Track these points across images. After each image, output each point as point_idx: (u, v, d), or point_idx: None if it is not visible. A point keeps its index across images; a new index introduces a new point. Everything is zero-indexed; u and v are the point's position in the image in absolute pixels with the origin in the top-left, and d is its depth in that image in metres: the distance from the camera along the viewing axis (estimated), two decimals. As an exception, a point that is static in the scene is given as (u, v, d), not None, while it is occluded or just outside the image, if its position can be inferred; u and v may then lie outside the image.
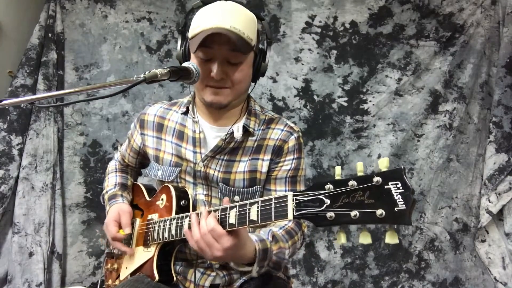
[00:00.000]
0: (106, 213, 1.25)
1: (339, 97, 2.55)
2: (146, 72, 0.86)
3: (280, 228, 1.10)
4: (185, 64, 0.98)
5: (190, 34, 1.08)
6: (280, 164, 1.17)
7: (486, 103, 2.50)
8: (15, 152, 2.32)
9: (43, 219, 2.35)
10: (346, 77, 2.54)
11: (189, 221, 0.98)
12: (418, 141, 2.52)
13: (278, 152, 1.17)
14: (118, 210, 1.21)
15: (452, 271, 2.47)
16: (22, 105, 2.34)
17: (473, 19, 2.48)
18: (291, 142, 1.17)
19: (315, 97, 2.55)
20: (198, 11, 1.08)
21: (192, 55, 1.10)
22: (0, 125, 2.29)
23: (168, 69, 0.89)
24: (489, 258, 2.40)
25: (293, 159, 1.17)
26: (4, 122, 2.30)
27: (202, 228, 0.89)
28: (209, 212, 0.92)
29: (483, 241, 2.43)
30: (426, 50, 2.51)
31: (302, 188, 1.20)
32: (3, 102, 0.78)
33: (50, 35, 2.45)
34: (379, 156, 2.51)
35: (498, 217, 2.41)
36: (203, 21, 1.03)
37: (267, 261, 0.97)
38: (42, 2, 2.49)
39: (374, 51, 2.54)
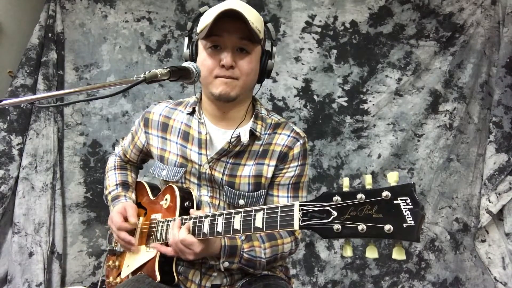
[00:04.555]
0: (110, 212, 1.26)
1: (339, 97, 2.54)
2: (146, 72, 0.85)
3: None
4: (185, 64, 0.98)
5: (199, 28, 1.12)
6: (284, 171, 1.17)
7: (486, 103, 2.50)
8: (15, 152, 2.32)
9: (43, 219, 2.35)
10: (346, 77, 2.54)
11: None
12: (418, 141, 2.52)
13: (283, 158, 1.17)
14: (123, 205, 1.21)
15: (452, 271, 2.47)
16: (22, 105, 2.34)
17: (473, 19, 2.48)
18: (297, 149, 1.17)
19: (315, 97, 2.55)
20: (205, 12, 1.13)
21: (200, 50, 1.12)
22: (0, 125, 2.29)
23: (168, 69, 0.89)
24: (489, 258, 2.40)
25: (297, 166, 1.17)
26: (4, 122, 2.30)
27: (174, 236, 1.01)
28: (183, 222, 1.04)
29: (483, 241, 2.43)
30: (426, 50, 2.51)
31: (305, 193, 1.21)
32: (3, 102, 0.78)
33: (50, 35, 2.45)
34: (379, 156, 2.51)
35: (498, 217, 2.41)
36: (213, 13, 1.06)
37: (237, 258, 1.05)
38: (42, 2, 2.48)
39: (374, 51, 2.54)
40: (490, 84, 2.49)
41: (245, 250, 1.06)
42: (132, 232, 1.24)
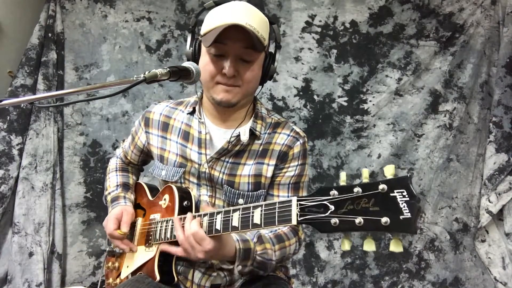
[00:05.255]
0: (108, 213, 1.25)
1: (339, 96, 2.54)
2: (146, 72, 0.85)
3: (270, 231, 1.11)
4: (185, 64, 0.97)
5: (203, 30, 1.08)
6: (284, 170, 1.17)
7: (486, 103, 2.50)
8: (15, 152, 2.32)
9: (43, 219, 2.35)
10: (346, 77, 2.54)
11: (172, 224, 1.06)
12: (418, 141, 2.52)
13: (283, 158, 1.16)
14: (121, 209, 1.21)
15: (452, 271, 2.47)
16: (22, 105, 2.34)
17: (473, 19, 2.48)
18: (296, 148, 1.17)
19: (315, 96, 2.55)
20: (210, 10, 1.10)
21: (203, 52, 1.10)
22: (0, 125, 2.29)
23: (168, 69, 0.89)
24: (489, 258, 2.40)
25: (297, 165, 1.17)
26: (4, 122, 2.30)
27: (186, 231, 0.96)
28: (194, 216, 0.99)
29: (483, 241, 2.43)
30: (426, 50, 2.51)
31: (305, 193, 1.20)
32: (3, 102, 0.78)
33: (50, 35, 2.45)
34: (379, 156, 2.51)
35: (498, 217, 2.41)
36: (218, 18, 1.03)
37: (250, 261, 1.03)
38: (42, 2, 2.48)
39: (374, 50, 2.54)
40: (490, 84, 2.49)
41: (258, 252, 1.04)
42: (131, 232, 1.24)
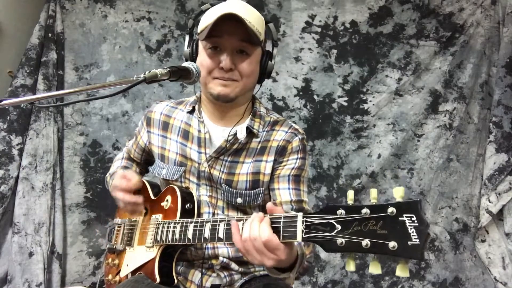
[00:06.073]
0: (110, 191, 1.21)
1: (339, 96, 2.54)
2: (146, 72, 0.85)
3: None
4: (185, 64, 0.98)
5: (200, 28, 1.11)
6: (283, 164, 1.16)
7: (486, 103, 2.50)
8: (15, 152, 2.32)
9: (43, 219, 2.35)
10: (346, 77, 2.54)
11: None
12: (418, 141, 2.52)
13: (281, 152, 1.16)
14: (123, 171, 1.18)
15: (452, 271, 2.47)
16: (22, 105, 2.34)
17: (473, 19, 2.48)
18: (295, 142, 1.16)
19: (315, 96, 2.55)
20: (206, 11, 1.12)
21: (200, 49, 1.11)
22: (0, 125, 2.29)
23: (168, 69, 0.89)
24: (489, 258, 2.40)
25: (297, 158, 1.16)
26: (4, 122, 2.30)
27: (253, 231, 0.81)
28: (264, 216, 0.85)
29: (483, 241, 2.43)
30: (426, 50, 2.51)
31: (306, 189, 1.19)
32: (3, 102, 0.78)
33: (50, 35, 2.45)
34: (379, 156, 2.51)
35: (498, 217, 2.41)
36: (213, 14, 1.05)
37: (300, 267, 0.95)
38: (42, 2, 2.48)
39: (374, 50, 2.53)
40: (490, 84, 2.49)
41: (307, 257, 1.00)
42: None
